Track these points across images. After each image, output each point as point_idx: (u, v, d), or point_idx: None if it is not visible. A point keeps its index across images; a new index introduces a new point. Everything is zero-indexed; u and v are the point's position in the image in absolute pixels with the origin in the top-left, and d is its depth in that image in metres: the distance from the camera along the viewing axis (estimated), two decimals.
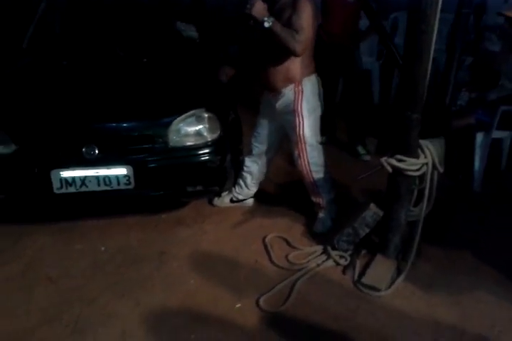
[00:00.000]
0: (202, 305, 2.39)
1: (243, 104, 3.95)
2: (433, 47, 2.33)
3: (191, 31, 3.89)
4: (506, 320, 2.30)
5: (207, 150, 2.84)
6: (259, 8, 2.45)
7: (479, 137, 3.44)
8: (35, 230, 2.98)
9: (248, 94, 4.36)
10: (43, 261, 2.71)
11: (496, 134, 3.45)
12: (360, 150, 4.02)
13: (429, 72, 2.37)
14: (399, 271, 2.59)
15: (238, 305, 2.39)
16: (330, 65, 3.77)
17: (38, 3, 3.90)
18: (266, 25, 2.47)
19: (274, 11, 2.61)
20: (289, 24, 2.53)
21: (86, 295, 2.44)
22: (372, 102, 5.10)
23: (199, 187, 2.91)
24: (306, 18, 2.51)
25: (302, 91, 2.76)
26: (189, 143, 2.84)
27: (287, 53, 2.62)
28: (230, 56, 5.65)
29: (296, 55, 2.58)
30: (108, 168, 2.74)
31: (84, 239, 2.90)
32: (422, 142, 2.48)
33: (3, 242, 2.89)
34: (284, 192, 3.42)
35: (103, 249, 2.81)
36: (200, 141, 2.85)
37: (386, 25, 5.28)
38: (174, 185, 2.90)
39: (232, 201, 3.29)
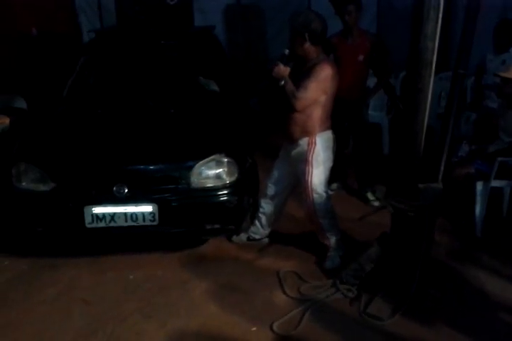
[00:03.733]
0: (220, 328, 2.80)
1: (262, 151, 4.48)
2: (429, 102, 2.83)
3: (212, 85, 4.52)
4: None
5: (225, 192, 3.32)
6: (277, 71, 3.07)
7: (479, 186, 3.89)
8: (70, 261, 3.44)
9: (267, 142, 4.91)
10: (79, 286, 3.16)
11: (495, 183, 3.90)
12: (370, 196, 4.47)
13: (425, 125, 2.87)
14: (401, 304, 2.97)
15: (254, 329, 2.79)
16: (339, 117, 4.29)
17: (78, 58, 4.56)
18: (280, 83, 3.09)
19: (302, 70, 3.18)
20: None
21: (118, 315, 2.87)
22: (382, 153, 5.62)
23: (217, 226, 3.38)
24: (314, 80, 3.08)
25: (315, 144, 3.26)
26: (209, 185, 3.34)
27: (305, 110, 3.16)
28: (251, 107, 6.29)
29: (294, 109, 3.13)
30: (136, 206, 3.22)
31: (115, 269, 3.34)
32: (420, 186, 2.94)
33: (40, 270, 3.35)
34: (297, 231, 3.83)
35: (131, 277, 3.25)
36: (219, 183, 3.34)
37: (396, 82, 5.91)
38: (194, 222, 3.36)
39: (248, 239, 3.73)
